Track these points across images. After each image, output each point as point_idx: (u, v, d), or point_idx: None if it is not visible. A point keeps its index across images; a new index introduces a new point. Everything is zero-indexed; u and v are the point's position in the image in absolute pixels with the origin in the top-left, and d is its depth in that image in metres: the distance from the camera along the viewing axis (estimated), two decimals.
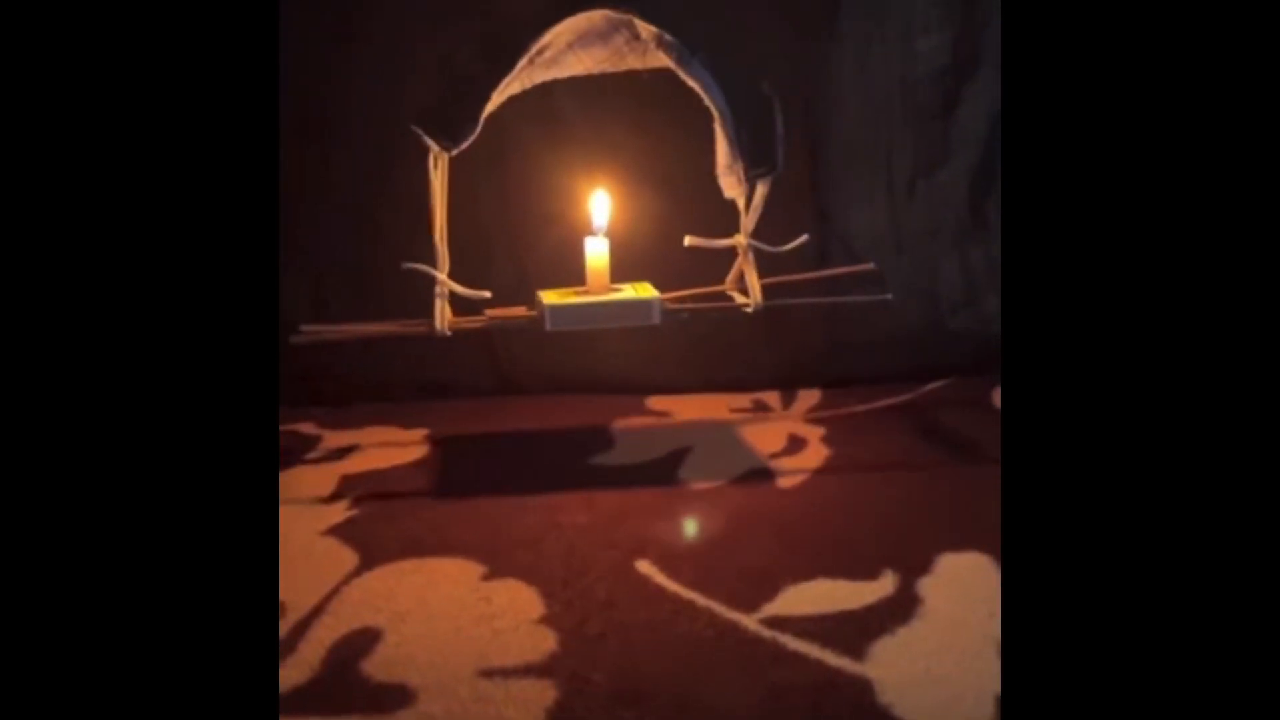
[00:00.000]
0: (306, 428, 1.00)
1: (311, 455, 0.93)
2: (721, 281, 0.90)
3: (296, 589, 0.68)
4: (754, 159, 0.81)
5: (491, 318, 0.85)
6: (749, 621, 0.63)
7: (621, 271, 0.86)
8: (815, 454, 0.90)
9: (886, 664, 0.59)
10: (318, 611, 0.66)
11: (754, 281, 0.86)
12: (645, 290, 0.85)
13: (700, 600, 0.66)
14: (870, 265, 0.94)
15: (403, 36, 0.99)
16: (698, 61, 0.81)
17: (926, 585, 0.67)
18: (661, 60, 0.82)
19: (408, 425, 1.00)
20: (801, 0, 1.02)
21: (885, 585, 0.67)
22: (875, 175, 1.06)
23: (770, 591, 0.67)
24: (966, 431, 0.94)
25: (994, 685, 0.56)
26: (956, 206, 1.07)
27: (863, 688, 0.57)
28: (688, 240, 0.84)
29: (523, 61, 0.80)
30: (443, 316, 0.82)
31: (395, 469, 0.90)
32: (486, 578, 0.70)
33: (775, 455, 0.90)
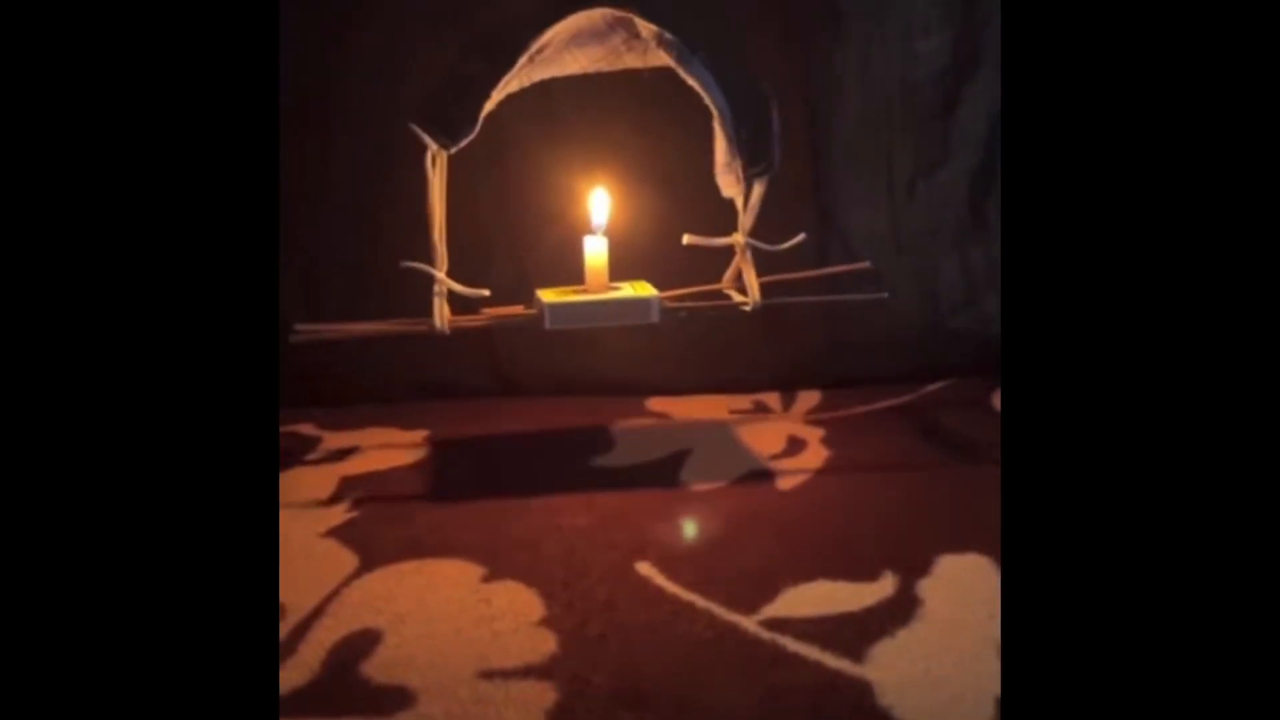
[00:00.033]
0: (306, 429, 1.00)
1: (311, 457, 0.93)
2: (720, 281, 0.90)
3: (296, 590, 0.68)
4: (752, 158, 0.81)
5: (491, 316, 0.85)
6: (749, 623, 0.63)
7: (620, 270, 0.86)
8: (815, 455, 0.90)
9: (886, 666, 0.59)
10: (318, 613, 0.66)
11: (752, 280, 0.86)
12: (644, 289, 0.85)
13: (700, 602, 0.66)
14: (866, 264, 0.94)
15: (402, 36, 0.99)
16: (698, 60, 0.81)
17: (926, 587, 0.67)
18: (662, 59, 0.82)
19: (408, 426, 1.00)
20: (802, 2, 1.02)
21: (885, 587, 0.67)
22: (875, 175, 1.06)
23: (770, 593, 0.66)
24: (966, 432, 0.94)
25: (994, 687, 0.56)
26: (956, 207, 1.07)
27: (862, 689, 0.57)
28: (686, 239, 0.84)
29: (523, 60, 0.80)
30: (442, 315, 0.82)
31: (395, 470, 0.90)
32: (486, 579, 0.70)
33: (775, 456, 0.90)
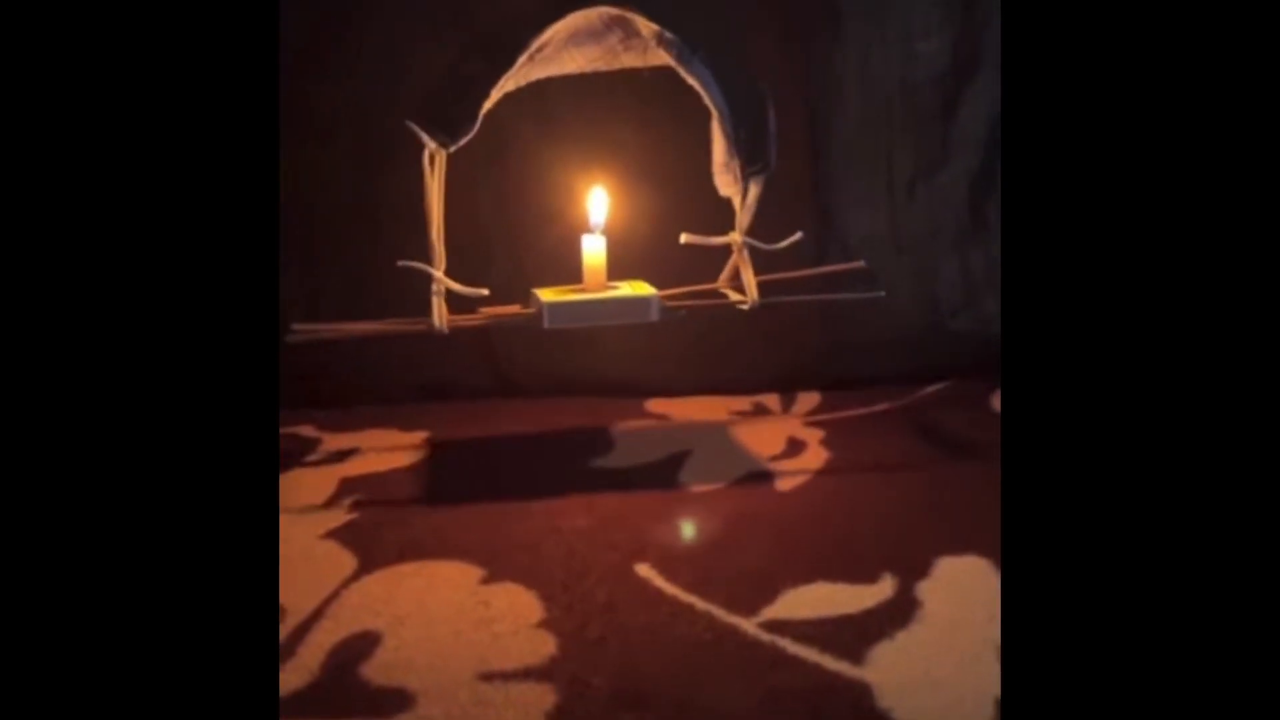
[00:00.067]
0: (306, 430, 1.00)
1: (311, 458, 0.93)
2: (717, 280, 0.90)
3: (296, 593, 0.68)
4: (749, 157, 0.81)
5: (489, 316, 0.85)
6: (748, 625, 0.63)
7: (618, 270, 0.86)
8: (815, 456, 0.90)
9: (886, 668, 0.59)
10: (317, 615, 0.66)
11: (749, 279, 0.86)
12: (642, 288, 0.85)
13: (700, 603, 0.66)
14: (860, 263, 0.94)
15: (402, 36, 0.99)
16: (698, 59, 0.81)
17: (926, 588, 0.67)
18: (661, 58, 0.82)
19: (407, 428, 1.00)
20: (802, 2, 1.02)
21: (884, 588, 0.67)
22: (875, 176, 1.06)
23: (770, 594, 0.66)
24: (966, 433, 0.94)
25: (993, 688, 0.56)
26: (956, 208, 1.07)
27: (862, 691, 0.57)
28: (684, 238, 0.84)
29: (522, 59, 0.80)
30: (440, 315, 0.82)
31: (394, 472, 0.90)
32: (486, 581, 0.70)
33: (775, 458, 0.90)
